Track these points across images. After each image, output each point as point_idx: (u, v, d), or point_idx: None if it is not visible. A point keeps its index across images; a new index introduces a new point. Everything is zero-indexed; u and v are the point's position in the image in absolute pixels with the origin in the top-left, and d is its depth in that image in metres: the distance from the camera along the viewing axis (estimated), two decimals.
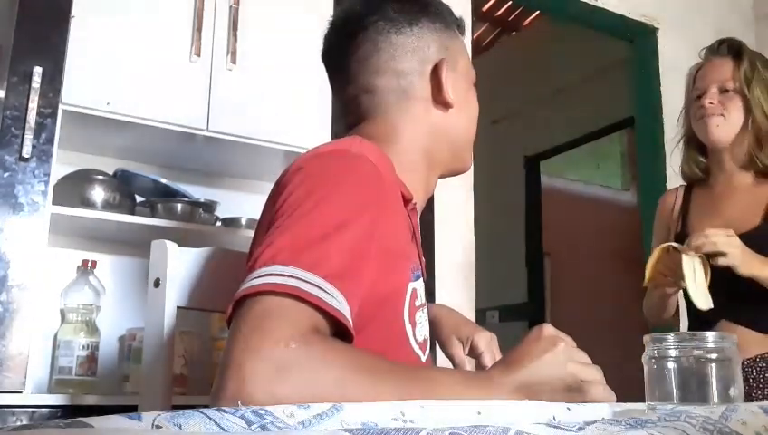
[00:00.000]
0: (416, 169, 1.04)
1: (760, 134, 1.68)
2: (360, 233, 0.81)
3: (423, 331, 0.96)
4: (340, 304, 0.74)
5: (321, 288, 0.72)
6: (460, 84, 1.07)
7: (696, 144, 1.80)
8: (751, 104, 1.67)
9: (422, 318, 0.96)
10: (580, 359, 0.80)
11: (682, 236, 1.69)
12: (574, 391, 0.78)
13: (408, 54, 1.03)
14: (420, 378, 0.76)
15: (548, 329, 0.81)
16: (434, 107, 1.05)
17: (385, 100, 1.03)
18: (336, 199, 0.82)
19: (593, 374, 0.80)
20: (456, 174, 1.14)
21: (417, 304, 0.94)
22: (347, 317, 0.74)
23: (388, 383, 0.71)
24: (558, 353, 0.78)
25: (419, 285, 0.95)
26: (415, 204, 1.01)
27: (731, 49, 1.76)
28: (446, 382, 0.76)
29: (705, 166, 1.80)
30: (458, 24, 1.11)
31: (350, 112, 1.07)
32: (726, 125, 1.69)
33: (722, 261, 1.50)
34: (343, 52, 1.06)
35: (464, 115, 1.08)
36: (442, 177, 1.12)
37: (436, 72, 1.04)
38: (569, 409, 0.64)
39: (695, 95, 1.76)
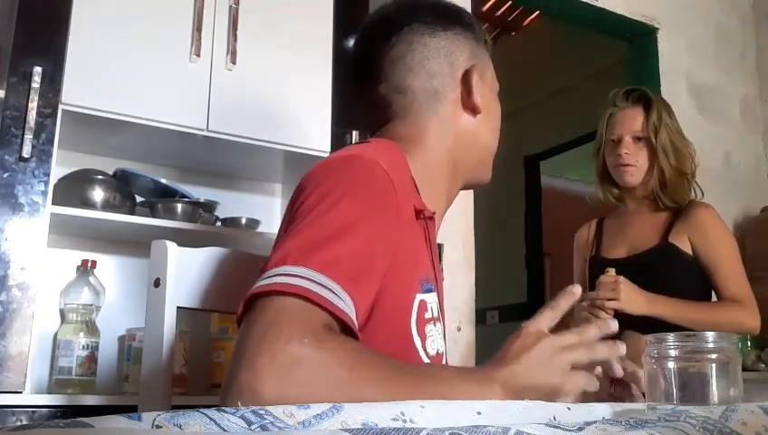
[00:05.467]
0: (440, 172, 1.05)
1: (663, 178, 2.00)
2: (370, 237, 0.82)
3: (436, 344, 0.95)
4: (346, 305, 0.75)
5: (329, 289, 0.74)
6: (487, 93, 1.09)
7: (609, 177, 2.10)
8: (657, 150, 1.98)
9: (434, 331, 0.95)
10: (565, 343, 0.81)
11: (596, 259, 2.09)
12: (564, 382, 0.80)
13: (441, 57, 1.05)
14: (426, 375, 0.77)
15: (528, 328, 0.82)
16: (462, 111, 1.07)
17: (416, 100, 1.05)
18: (347, 204, 0.83)
19: (582, 355, 0.81)
20: (477, 186, 1.15)
21: (428, 316, 0.94)
22: (353, 320, 0.75)
23: (396, 381, 0.72)
24: (545, 346, 0.80)
25: (431, 298, 0.95)
26: (433, 214, 1.00)
27: (641, 99, 2.05)
28: (446, 378, 0.77)
29: (619, 195, 2.12)
30: (485, 40, 1.14)
31: (379, 113, 1.08)
32: (638, 172, 2.02)
33: (612, 305, 1.82)
34: (376, 52, 1.07)
35: (489, 123, 1.10)
36: (463, 188, 1.13)
37: (466, 77, 1.06)
38: (569, 409, 0.64)
39: (609, 138, 2.08)
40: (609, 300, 1.83)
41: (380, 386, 0.70)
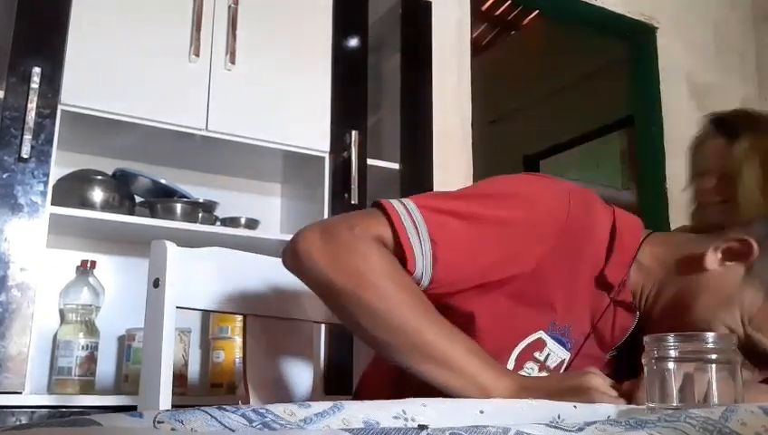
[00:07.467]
0: (654, 287, 0.96)
1: None
2: (490, 232, 0.87)
3: None
4: (423, 255, 0.82)
5: (419, 237, 0.82)
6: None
7: None
8: None
9: (532, 372, 0.91)
10: (606, 389, 0.78)
11: None
12: (578, 395, 0.78)
13: None
14: (440, 324, 0.80)
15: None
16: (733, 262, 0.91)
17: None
18: (499, 203, 0.89)
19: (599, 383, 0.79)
20: None
21: (538, 356, 0.91)
22: (416, 264, 0.82)
23: (404, 305, 0.78)
24: (586, 371, 0.79)
25: (555, 348, 0.91)
26: (630, 304, 0.94)
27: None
28: (462, 341, 0.80)
29: None
30: None
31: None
32: None
33: None
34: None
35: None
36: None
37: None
38: (575, 407, 0.64)
39: None
40: None
41: (386, 300, 0.78)
